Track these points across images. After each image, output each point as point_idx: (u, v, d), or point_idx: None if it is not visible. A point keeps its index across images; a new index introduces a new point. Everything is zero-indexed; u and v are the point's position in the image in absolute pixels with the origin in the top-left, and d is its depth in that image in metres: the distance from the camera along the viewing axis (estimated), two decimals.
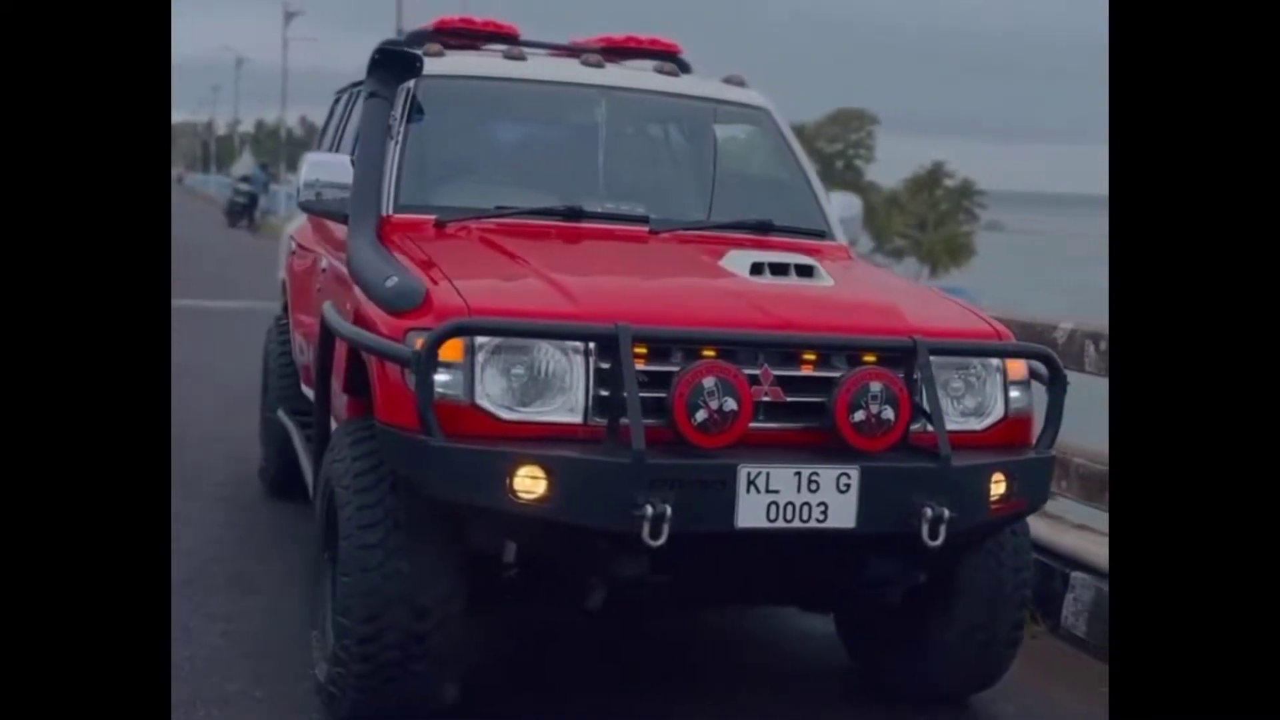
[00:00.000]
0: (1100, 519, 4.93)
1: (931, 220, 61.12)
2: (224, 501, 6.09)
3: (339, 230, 4.63)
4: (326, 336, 3.99)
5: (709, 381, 3.19)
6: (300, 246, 5.71)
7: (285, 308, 6.19)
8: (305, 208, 4.51)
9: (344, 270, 4.42)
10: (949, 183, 64.01)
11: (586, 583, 3.44)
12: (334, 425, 4.18)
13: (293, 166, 45.15)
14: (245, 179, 33.99)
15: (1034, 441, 3.65)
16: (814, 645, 4.63)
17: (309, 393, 5.58)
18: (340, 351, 4.01)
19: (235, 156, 67.25)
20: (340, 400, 4.13)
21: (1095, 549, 4.76)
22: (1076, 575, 4.75)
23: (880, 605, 3.71)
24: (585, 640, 4.49)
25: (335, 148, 5.57)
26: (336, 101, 6.28)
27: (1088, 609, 4.67)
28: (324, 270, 4.96)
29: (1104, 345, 4.88)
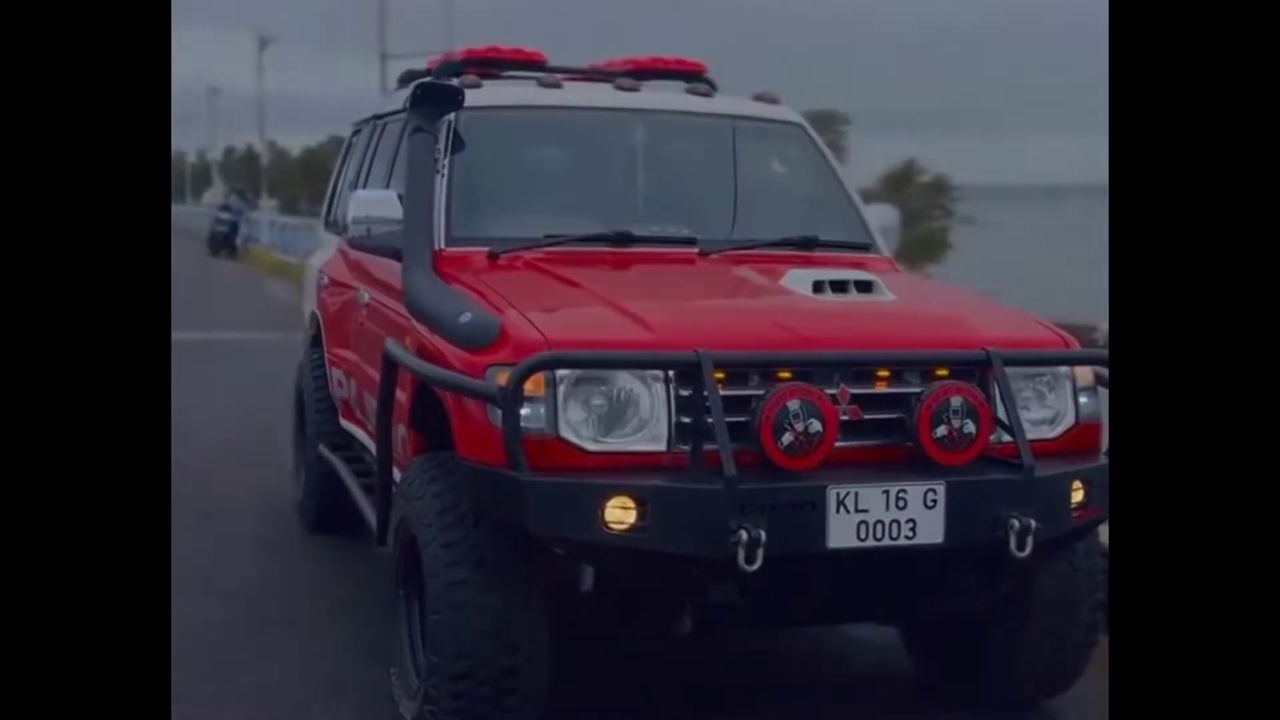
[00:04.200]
0: None
1: (903, 217, 61.20)
2: (258, 540, 6.06)
3: (384, 265, 4.63)
4: (389, 373, 3.98)
5: (794, 404, 3.20)
6: (333, 280, 5.70)
7: (315, 341, 6.18)
8: (356, 245, 4.51)
9: (393, 305, 4.44)
10: (921, 179, 64.18)
11: (676, 609, 3.45)
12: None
13: (273, 193, 44.92)
14: (225, 208, 33.46)
15: (1102, 446, 3.69)
16: (874, 653, 4.64)
17: (349, 427, 5.58)
18: (404, 387, 4.01)
19: (208, 185, 67.09)
20: (401, 436, 4.13)
21: None
22: None
23: (961, 615, 3.72)
24: (648, 658, 4.50)
25: (363, 183, 5.57)
26: (355, 133, 6.30)
27: None
28: (366, 305, 4.96)
29: None
